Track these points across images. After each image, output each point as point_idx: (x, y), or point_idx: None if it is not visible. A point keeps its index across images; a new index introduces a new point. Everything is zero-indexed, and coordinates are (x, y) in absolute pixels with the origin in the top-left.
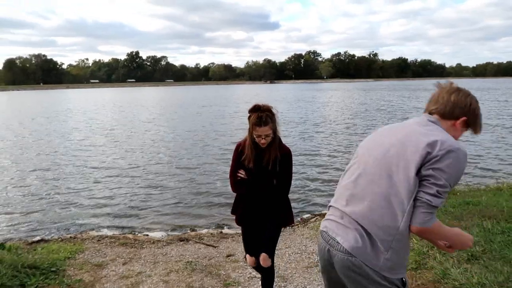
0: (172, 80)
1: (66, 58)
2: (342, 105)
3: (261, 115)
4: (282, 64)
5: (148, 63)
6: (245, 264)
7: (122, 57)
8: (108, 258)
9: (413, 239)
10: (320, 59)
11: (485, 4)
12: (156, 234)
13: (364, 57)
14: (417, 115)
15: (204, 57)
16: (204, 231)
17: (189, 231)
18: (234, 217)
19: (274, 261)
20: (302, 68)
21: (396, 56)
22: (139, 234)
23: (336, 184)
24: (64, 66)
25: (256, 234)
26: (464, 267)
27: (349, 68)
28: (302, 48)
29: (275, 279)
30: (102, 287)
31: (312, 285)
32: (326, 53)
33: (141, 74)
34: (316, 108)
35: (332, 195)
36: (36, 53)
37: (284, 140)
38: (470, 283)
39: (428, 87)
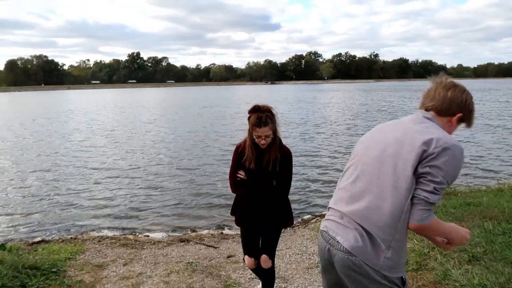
0: (173, 81)
1: (67, 59)
2: (343, 106)
3: (261, 116)
4: (283, 65)
5: (149, 64)
6: (245, 265)
7: (123, 58)
8: (109, 259)
9: (414, 240)
10: (321, 60)
11: (486, 4)
12: (157, 235)
13: (365, 57)
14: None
15: (205, 58)
16: (205, 232)
17: (189, 232)
18: (234, 218)
19: (275, 262)
20: (303, 69)
21: (397, 57)
22: (139, 235)
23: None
24: (65, 67)
25: (255, 235)
26: (465, 268)
27: (350, 68)
28: (303, 49)
29: (276, 280)
30: None
31: (313, 286)
32: (327, 54)
33: (142, 75)
34: (317, 109)
35: (332, 196)
36: (37, 54)
37: (284, 141)
38: (471, 284)
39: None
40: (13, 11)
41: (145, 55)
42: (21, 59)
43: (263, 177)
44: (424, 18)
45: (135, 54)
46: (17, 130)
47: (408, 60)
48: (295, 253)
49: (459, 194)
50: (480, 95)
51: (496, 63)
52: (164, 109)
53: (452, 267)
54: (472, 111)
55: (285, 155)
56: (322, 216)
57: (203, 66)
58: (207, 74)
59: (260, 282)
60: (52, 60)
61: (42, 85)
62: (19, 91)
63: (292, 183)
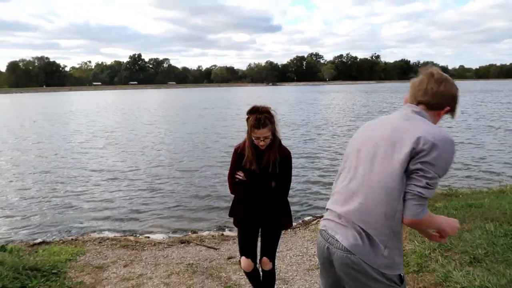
0: (174, 83)
1: (69, 61)
2: (344, 107)
3: (260, 117)
4: (284, 66)
5: (150, 66)
6: (241, 267)
7: (125, 59)
8: (109, 260)
9: (415, 241)
10: (322, 61)
11: (488, 6)
12: (157, 236)
13: (367, 59)
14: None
15: (206, 59)
16: (205, 233)
17: (190, 233)
18: (233, 219)
19: (275, 264)
20: (304, 70)
21: (398, 58)
22: (140, 236)
23: None
24: (67, 69)
25: (253, 236)
26: (467, 269)
27: (351, 70)
28: (305, 51)
29: (276, 282)
30: None
31: None
32: (328, 55)
33: (144, 77)
34: (318, 110)
35: (330, 197)
36: (39, 55)
37: (285, 143)
38: (472, 286)
39: None
40: (14, 13)
41: (146, 57)
42: (22, 60)
43: (262, 178)
44: (425, 19)
45: (136, 56)
46: (18, 132)
47: (409, 61)
48: (295, 254)
49: (460, 196)
50: (482, 96)
51: (498, 64)
52: (165, 110)
53: (453, 269)
54: (457, 103)
55: (285, 156)
56: (323, 217)
57: (204, 68)
58: (208, 75)
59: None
60: (54, 62)
61: (44, 86)
62: (21, 92)
63: (292, 184)
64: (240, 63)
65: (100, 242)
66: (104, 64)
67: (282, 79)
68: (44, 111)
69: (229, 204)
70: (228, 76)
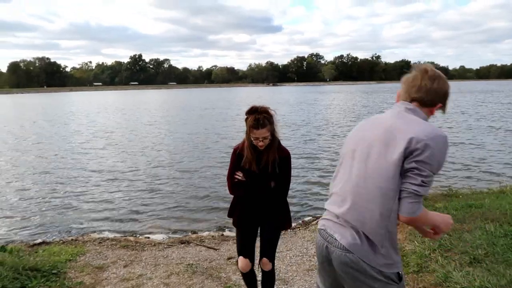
0: (175, 83)
1: (69, 61)
2: (344, 108)
3: (258, 117)
4: (285, 66)
5: (151, 66)
6: (238, 268)
7: (125, 60)
8: (109, 261)
9: (415, 242)
10: (323, 61)
11: (489, 6)
12: (157, 237)
13: (367, 59)
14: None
15: (206, 59)
16: (205, 233)
17: (190, 233)
18: (232, 220)
19: (275, 264)
20: (305, 70)
21: (399, 59)
22: (140, 237)
23: None
24: (68, 69)
25: (252, 236)
26: (466, 270)
27: (351, 70)
28: (305, 51)
29: (276, 282)
30: None
31: None
32: (329, 56)
33: (144, 77)
34: (318, 110)
35: (328, 198)
36: (40, 56)
37: (285, 143)
38: (472, 287)
39: None
40: (15, 13)
41: (147, 57)
42: (23, 61)
43: (262, 178)
44: (426, 19)
45: (137, 56)
46: (18, 132)
47: (410, 61)
48: (295, 255)
49: (460, 196)
50: (483, 96)
51: (499, 64)
52: (166, 111)
53: (453, 269)
54: (448, 99)
55: (284, 157)
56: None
57: (204, 68)
58: (208, 76)
59: (261, 285)
60: (55, 62)
61: (45, 87)
62: (22, 93)
63: (292, 185)
64: (241, 64)
65: (100, 243)
66: (105, 64)
67: (282, 79)
68: (44, 112)
69: (229, 205)
70: (229, 77)
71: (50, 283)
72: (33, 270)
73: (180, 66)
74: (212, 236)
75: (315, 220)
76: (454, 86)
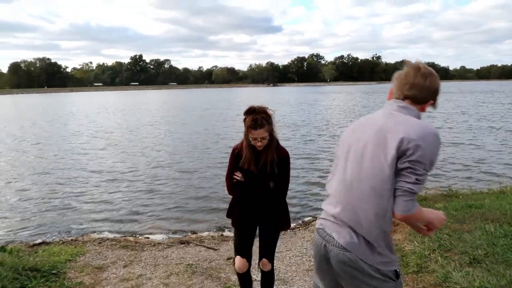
0: (175, 83)
1: (70, 62)
2: (344, 108)
3: (256, 118)
4: (285, 67)
5: (151, 67)
6: (235, 268)
7: (126, 60)
8: (109, 261)
9: (415, 242)
10: (323, 62)
11: (490, 6)
12: (157, 237)
13: (367, 60)
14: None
15: (207, 60)
16: (205, 234)
17: (190, 234)
18: (231, 220)
19: (274, 264)
20: (305, 71)
21: (399, 59)
22: (140, 237)
23: None
24: (68, 70)
25: (251, 236)
26: (466, 270)
27: (352, 71)
28: (305, 51)
29: (275, 282)
30: None
31: None
32: (329, 56)
33: (145, 78)
34: (318, 111)
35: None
36: (41, 56)
37: (285, 143)
38: (472, 287)
39: None
40: (16, 14)
41: (147, 58)
42: (24, 61)
43: (260, 179)
44: (427, 20)
45: (137, 57)
46: (18, 133)
47: None
48: (295, 255)
49: (460, 196)
50: (483, 97)
51: (499, 65)
52: (166, 111)
53: (453, 270)
54: (439, 96)
55: (283, 157)
56: (319, 217)
57: (205, 69)
58: (209, 76)
59: (260, 285)
60: (55, 63)
61: (45, 87)
62: (22, 93)
63: (292, 185)
64: (241, 64)
65: (99, 243)
66: (105, 65)
67: (283, 80)
68: (45, 112)
69: (228, 205)
70: (229, 77)
71: (50, 283)
72: (33, 270)
73: (180, 66)
74: (212, 237)
75: (315, 220)
76: (454, 86)
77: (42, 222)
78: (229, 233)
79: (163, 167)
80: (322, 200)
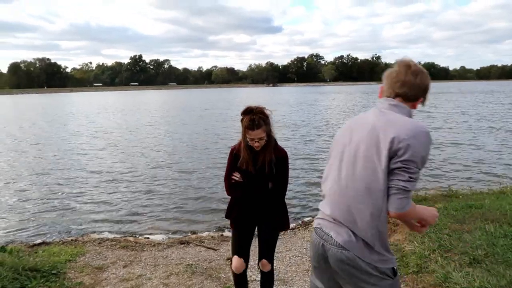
0: (175, 84)
1: (70, 62)
2: (344, 108)
3: (254, 118)
4: (285, 67)
5: (151, 67)
6: (232, 268)
7: (126, 60)
8: (109, 261)
9: (415, 242)
10: (323, 62)
11: (490, 6)
12: (157, 237)
13: (367, 60)
14: (416, 115)
15: (207, 60)
16: (205, 234)
17: (189, 234)
18: (230, 221)
19: (274, 265)
20: (305, 71)
21: (399, 59)
22: (140, 237)
23: None
24: (68, 70)
25: (249, 237)
26: (466, 270)
27: (352, 71)
28: (305, 51)
29: (275, 283)
30: None
31: None
32: (329, 56)
33: (144, 78)
34: (318, 111)
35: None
36: (40, 56)
37: (285, 144)
38: (472, 287)
39: (431, 90)
40: (16, 14)
41: (147, 58)
42: (24, 62)
43: (259, 179)
44: (427, 20)
45: (137, 57)
46: (17, 133)
47: None
48: (295, 255)
49: (460, 197)
50: (483, 97)
51: (499, 65)
52: (166, 111)
53: (453, 270)
54: (429, 93)
55: (281, 157)
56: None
57: (205, 69)
58: (209, 76)
59: (260, 285)
60: (55, 63)
61: (45, 87)
62: (22, 93)
63: (292, 186)
64: (241, 64)
65: (99, 243)
66: (105, 65)
67: (282, 80)
68: (44, 112)
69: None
70: (229, 77)
71: (50, 283)
72: (32, 270)
73: (180, 66)
74: (212, 237)
75: None
76: (454, 86)
77: (42, 223)
78: (229, 234)
79: (163, 167)
80: (321, 200)
